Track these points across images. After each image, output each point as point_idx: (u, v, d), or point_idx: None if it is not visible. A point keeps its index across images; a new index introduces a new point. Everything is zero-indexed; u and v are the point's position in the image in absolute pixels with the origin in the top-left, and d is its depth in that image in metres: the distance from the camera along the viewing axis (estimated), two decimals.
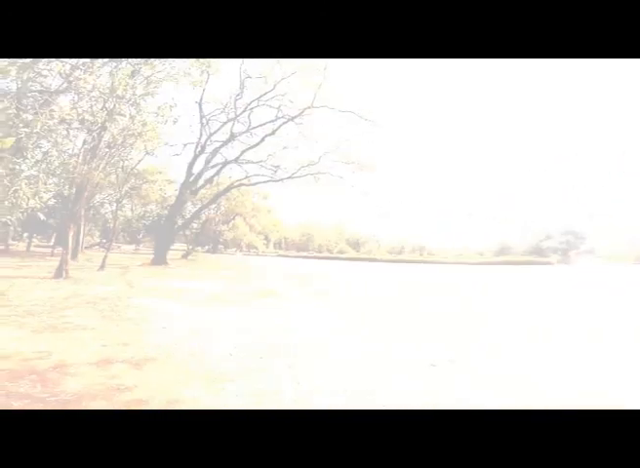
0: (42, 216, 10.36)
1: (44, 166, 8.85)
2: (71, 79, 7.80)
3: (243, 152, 24.38)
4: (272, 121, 23.77)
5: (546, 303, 10.76)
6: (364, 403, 3.18)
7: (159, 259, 21.41)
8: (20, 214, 8.94)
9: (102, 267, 14.82)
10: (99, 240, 42.38)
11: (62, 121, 8.02)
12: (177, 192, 25.30)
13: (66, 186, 15.13)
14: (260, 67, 21.77)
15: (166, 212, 28.84)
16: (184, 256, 30.75)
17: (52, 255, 21.57)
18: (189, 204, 29.59)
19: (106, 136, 13.61)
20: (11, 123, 6.60)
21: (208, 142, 24.19)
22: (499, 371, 4.20)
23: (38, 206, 7.83)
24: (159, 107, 11.66)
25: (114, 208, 24.67)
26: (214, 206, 32.90)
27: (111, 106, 10.07)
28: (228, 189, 27.13)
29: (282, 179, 24.74)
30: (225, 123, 24.13)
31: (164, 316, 6.58)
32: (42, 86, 7.73)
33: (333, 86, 23.19)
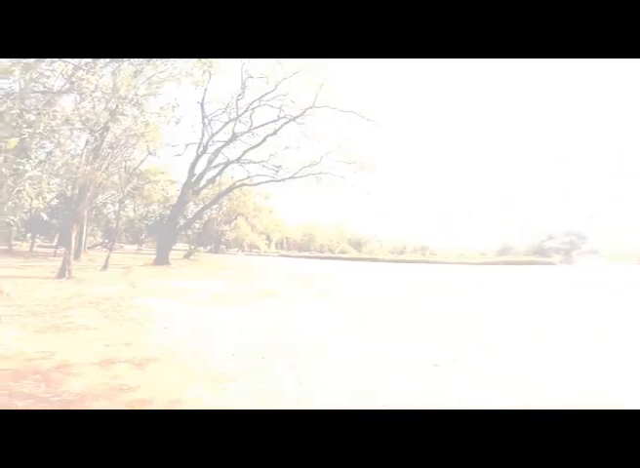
0: (45, 217, 10.42)
1: (47, 166, 8.90)
2: (74, 79, 7.83)
3: (245, 152, 24.42)
4: (274, 121, 23.79)
5: (548, 303, 10.72)
6: (366, 403, 3.18)
7: (161, 259, 21.46)
8: (24, 215, 8.99)
9: (105, 267, 14.87)
10: (101, 240, 42.52)
11: (66, 121, 8.04)
12: (179, 192, 25.35)
13: (69, 187, 15.22)
14: (261, 67, 21.82)
15: (168, 212, 28.90)
16: (187, 256, 30.82)
17: (55, 256, 21.65)
18: (191, 204, 29.66)
19: (109, 137, 13.68)
20: (14, 123, 6.63)
21: (210, 142, 24.26)
22: (500, 372, 4.19)
23: (41, 206, 7.87)
24: (161, 108, 11.70)
25: (117, 208, 24.76)
26: (216, 206, 32.93)
27: (114, 107, 10.11)
28: (230, 189, 27.17)
29: (284, 179, 24.75)
30: (227, 123, 24.18)
31: (166, 316, 6.60)
32: (45, 86, 7.76)
33: (334, 86, 23.08)
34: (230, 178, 27.45)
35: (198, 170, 24.05)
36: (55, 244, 28.21)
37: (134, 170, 19.59)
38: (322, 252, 60.05)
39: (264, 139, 23.97)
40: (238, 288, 11.76)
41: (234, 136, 24.14)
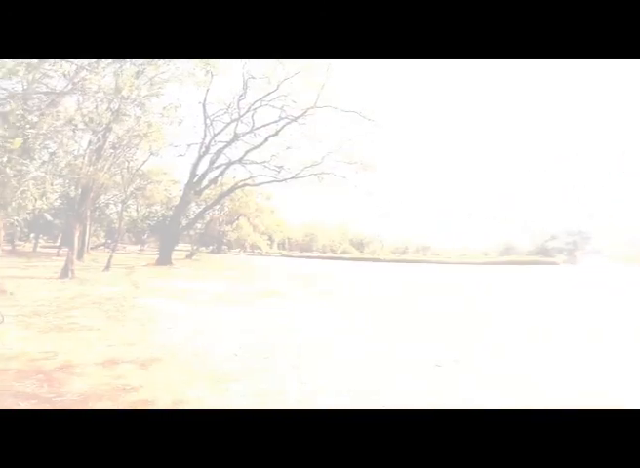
0: (49, 217, 10.47)
1: (50, 167, 8.94)
2: (76, 80, 7.86)
3: (247, 153, 24.42)
4: (276, 121, 23.80)
5: (548, 304, 10.69)
6: (368, 403, 3.18)
7: (164, 260, 21.51)
8: (27, 215, 9.03)
9: (108, 267, 14.92)
10: (104, 240, 42.66)
11: (69, 122, 8.09)
12: (181, 193, 25.41)
13: (72, 187, 15.27)
14: (263, 68, 21.82)
15: (170, 212, 29.00)
16: (189, 257, 30.88)
17: (58, 256, 21.74)
18: (193, 204, 29.73)
19: (111, 137, 13.73)
20: (18, 124, 6.67)
21: (212, 143, 24.28)
22: (502, 372, 4.18)
23: (45, 206, 7.90)
24: (164, 108, 11.74)
25: (119, 208, 24.85)
26: (218, 206, 32.98)
27: (116, 107, 10.15)
28: (232, 190, 27.20)
29: (285, 180, 24.74)
30: (229, 123, 24.20)
31: (169, 316, 6.62)
32: (48, 87, 7.80)
33: (336, 86, 23.07)
34: (232, 179, 27.47)
35: (200, 170, 24.12)
36: (58, 244, 28.34)
37: (136, 170, 19.66)
38: (324, 252, 60.02)
39: (266, 140, 23.98)
40: (240, 288, 11.78)
41: (236, 137, 24.17)
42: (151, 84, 9.97)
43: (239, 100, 23.33)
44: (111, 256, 15.62)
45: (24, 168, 7.03)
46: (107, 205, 32.81)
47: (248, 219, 38.16)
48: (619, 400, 3.41)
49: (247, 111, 23.64)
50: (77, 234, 13.63)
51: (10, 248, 23.85)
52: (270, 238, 49.59)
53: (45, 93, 7.76)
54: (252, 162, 25.05)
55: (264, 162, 24.85)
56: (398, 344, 5.38)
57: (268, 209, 40.28)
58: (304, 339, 5.41)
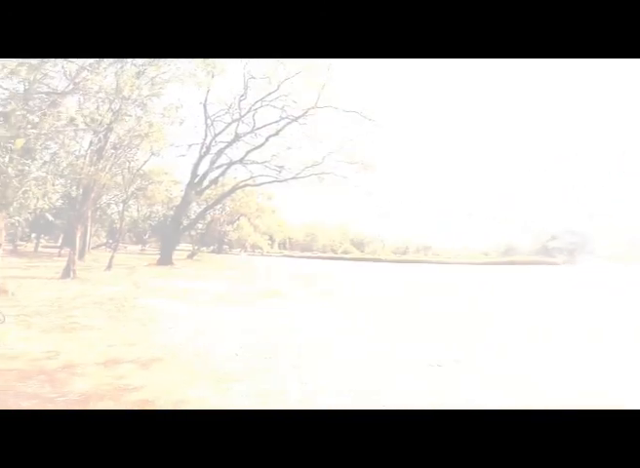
0: (50, 217, 10.49)
1: (52, 167, 8.96)
2: (78, 80, 7.88)
3: (248, 153, 24.45)
4: (276, 121, 23.82)
5: (549, 303, 10.68)
6: (369, 403, 3.18)
7: (165, 260, 21.54)
8: (29, 215, 9.05)
9: (109, 267, 14.94)
10: (105, 240, 42.71)
11: (70, 122, 8.10)
12: (182, 193, 25.43)
13: (74, 187, 15.30)
14: (263, 68, 21.83)
15: (171, 212, 29.02)
16: (190, 257, 30.89)
17: (59, 256, 21.78)
18: (194, 204, 29.77)
19: (112, 138, 13.75)
20: (19, 124, 6.69)
21: (213, 143, 24.31)
22: (503, 372, 4.18)
23: (47, 206, 7.92)
24: (165, 108, 11.76)
25: (121, 208, 24.88)
26: (219, 206, 33.03)
27: (117, 107, 10.17)
28: (233, 190, 27.23)
29: (286, 180, 24.77)
30: (230, 124, 24.23)
31: (170, 316, 6.63)
32: (49, 87, 7.82)
33: (336, 86, 23.15)
34: (233, 179, 27.49)
35: (201, 170, 24.14)
36: (59, 244, 28.38)
37: (137, 170, 19.64)
38: (325, 252, 59.98)
39: (267, 140, 24.01)
40: (241, 288, 11.78)
41: (237, 137, 24.19)
42: (152, 84, 10.00)
43: (240, 101, 23.37)
44: (112, 256, 15.64)
45: (26, 168, 7.05)
46: (109, 205, 32.83)
47: (249, 219, 38.19)
48: (619, 400, 3.41)
49: (248, 111, 23.67)
50: (78, 234, 13.66)
51: (11, 248, 23.90)
52: (271, 238, 49.62)
53: (46, 93, 7.78)
54: (253, 162, 25.09)
55: (265, 162, 24.88)
56: (399, 344, 5.38)
57: (269, 209, 40.28)
58: (305, 339, 5.42)
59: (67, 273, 11.57)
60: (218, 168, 24.83)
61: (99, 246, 38.27)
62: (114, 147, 14.62)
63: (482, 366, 4.43)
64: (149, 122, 11.55)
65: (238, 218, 38.20)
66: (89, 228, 22.52)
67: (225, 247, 49.92)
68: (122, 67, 9.13)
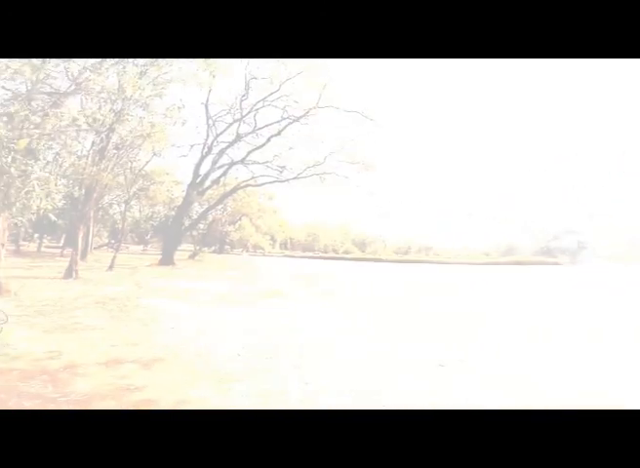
0: (53, 218, 10.52)
1: (54, 167, 8.99)
2: (80, 81, 7.90)
3: (249, 153, 24.46)
4: (278, 122, 23.82)
5: (549, 304, 10.65)
6: (370, 403, 3.18)
7: (167, 260, 21.57)
8: (32, 216, 9.08)
9: (111, 268, 14.98)
10: (107, 241, 42.80)
11: (72, 122, 8.12)
12: (184, 193, 25.46)
13: (76, 187, 15.35)
14: (264, 68, 21.84)
15: (173, 212, 29.04)
16: (191, 257, 30.91)
17: (62, 256, 21.85)
18: (196, 205, 29.77)
19: (114, 138, 13.79)
20: (22, 125, 6.71)
21: (214, 143, 24.34)
22: (504, 372, 4.17)
23: (50, 207, 7.94)
24: (168, 109, 11.78)
25: (122, 209, 24.89)
26: (220, 206, 33.02)
27: (119, 108, 10.20)
28: (235, 190, 27.24)
29: (288, 180, 24.77)
30: (231, 124, 24.23)
31: (172, 316, 6.64)
32: (51, 87, 7.84)
33: (337, 86, 23.16)
34: (235, 179, 27.50)
35: (203, 171, 24.16)
36: (61, 244, 28.46)
37: (139, 171, 19.70)
38: (326, 252, 59.92)
39: (268, 140, 24.01)
40: (243, 288, 11.80)
41: (238, 137, 24.20)
42: (154, 85, 10.02)
43: (241, 101, 23.38)
44: (115, 257, 15.68)
45: (29, 168, 7.08)
46: (111, 205, 32.87)
47: (250, 220, 38.20)
48: (619, 400, 3.40)
49: (249, 112, 23.68)
50: (81, 234, 13.70)
51: (14, 248, 23.98)
52: (273, 238, 49.60)
53: (48, 93, 7.81)
54: (254, 162, 25.10)
55: (267, 162, 24.89)
56: (400, 344, 5.38)
57: (271, 209, 40.29)
58: (307, 339, 5.42)
59: (70, 273, 11.61)
60: (219, 168, 24.86)
61: (101, 246, 38.35)
62: (116, 148, 14.66)
63: (483, 366, 4.43)
64: (151, 122, 11.58)
65: (240, 219, 38.22)
66: (91, 228, 22.59)
67: (227, 247, 49.94)
68: (124, 68, 9.15)
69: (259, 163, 25.08)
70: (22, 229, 22.40)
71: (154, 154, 16.97)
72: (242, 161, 24.75)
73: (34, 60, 6.39)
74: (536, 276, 23.88)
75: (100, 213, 30.34)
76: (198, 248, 34.70)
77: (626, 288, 16.43)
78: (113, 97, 9.06)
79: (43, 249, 29.60)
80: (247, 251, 52.24)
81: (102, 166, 14.01)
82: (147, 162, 19.98)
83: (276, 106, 23.43)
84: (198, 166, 23.85)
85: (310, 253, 56.20)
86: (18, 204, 7.20)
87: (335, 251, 61.11)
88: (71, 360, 3.95)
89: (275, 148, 24.55)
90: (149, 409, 2.88)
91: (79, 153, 13.79)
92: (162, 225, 37.42)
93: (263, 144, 24.14)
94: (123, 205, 23.76)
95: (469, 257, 48.21)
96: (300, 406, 3.08)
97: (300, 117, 23.13)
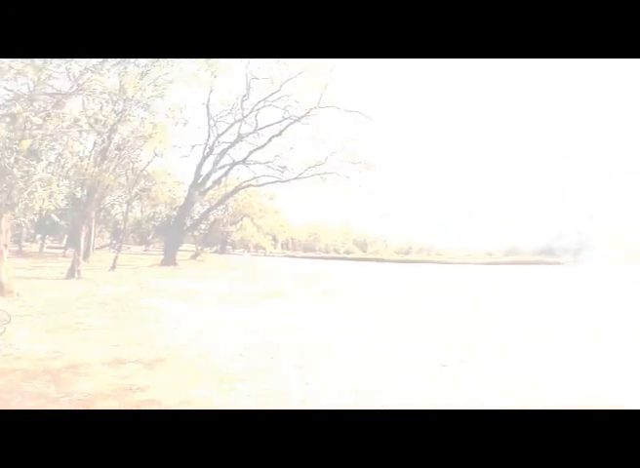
0: (56, 218, 10.56)
1: (57, 168, 9.02)
2: (81, 81, 7.92)
3: (250, 153, 24.48)
4: (279, 122, 23.83)
5: (550, 304, 10.63)
6: (371, 403, 3.18)
7: (168, 260, 21.61)
8: (34, 216, 9.12)
9: (113, 268, 15.02)
10: (109, 241, 42.89)
11: (74, 123, 8.15)
12: (185, 193, 25.52)
13: (78, 188, 15.40)
14: (265, 68, 21.85)
15: (175, 213, 29.10)
16: (193, 257, 30.95)
17: (64, 256, 21.92)
18: (198, 205, 29.79)
19: (116, 139, 13.84)
20: (24, 126, 6.74)
21: (216, 144, 24.37)
22: (505, 372, 4.17)
23: (52, 207, 7.97)
24: (169, 109, 11.82)
25: (124, 209, 24.97)
26: (222, 207, 33.02)
27: (120, 108, 10.23)
28: (236, 190, 27.26)
29: (289, 180, 24.77)
30: (233, 124, 24.25)
31: (174, 316, 6.66)
32: (53, 88, 7.87)
33: (338, 86, 23.16)
34: (236, 179, 27.53)
35: (204, 171, 24.19)
36: (64, 245, 28.54)
37: (141, 171, 19.77)
38: (327, 252, 59.90)
39: (270, 140, 24.02)
40: (244, 288, 11.81)
41: (240, 137, 24.23)
42: (155, 85, 10.04)
43: (242, 101, 23.40)
44: (116, 257, 15.73)
45: (32, 169, 7.10)
46: (112, 206, 32.93)
47: (252, 220, 38.23)
48: (619, 400, 3.40)
49: (250, 112, 23.69)
50: (83, 235, 13.75)
51: (17, 249, 24.06)
52: (274, 238, 49.61)
53: (50, 94, 7.83)
54: (255, 162, 25.11)
55: (268, 162, 24.90)
56: (401, 344, 5.38)
57: (272, 209, 40.28)
58: (308, 339, 5.43)
59: (72, 273, 11.65)
60: (221, 168, 24.90)
61: (103, 246, 38.41)
62: (118, 148, 14.72)
63: (484, 366, 4.42)
64: (153, 123, 11.61)
65: (241, 219, 38.26)
66: (93, 229, 22.62)
67: (228, 247, 49.99)
68: (125, 68, 9.17)
69: (260, 163, 25.10)
70: (25, 230, 22.48)
71: (156, 155, 17.02)
72: (243, 161, 24.77)
73: (36, 61, 6.41)
74: (537, 276, 23.81)
75: (102, 213, 30.39)
76: (200, 248, 34.75)
77: (627, 288, 16.37)
78: (115, 98, 9.08)
79: (45, 249, 29.69)
80: (248, 251, 52.27)
81: (104, 166, 14.06)
82: (149, 162, 20.04)
83: (277, 106, 23.44)
84: (200, 166, 23.91)
85: (312, 254, 56.21)
86: (20, 205, 7.23)
87: (336, 251, 61.09)
88: (74, 360, 3.96)
89: (276, 148, 24.57)
90: (152, 409, 2.89)
91: (81, 154, 13.85)
92: (164, 226, 37.47)
93: (265, 144, 24.16)
94: (125, 205, 23.86)
95: (471, 257, 48.12)
96: (301, 405, 3.08)
97: (302, 117, 23.13)
